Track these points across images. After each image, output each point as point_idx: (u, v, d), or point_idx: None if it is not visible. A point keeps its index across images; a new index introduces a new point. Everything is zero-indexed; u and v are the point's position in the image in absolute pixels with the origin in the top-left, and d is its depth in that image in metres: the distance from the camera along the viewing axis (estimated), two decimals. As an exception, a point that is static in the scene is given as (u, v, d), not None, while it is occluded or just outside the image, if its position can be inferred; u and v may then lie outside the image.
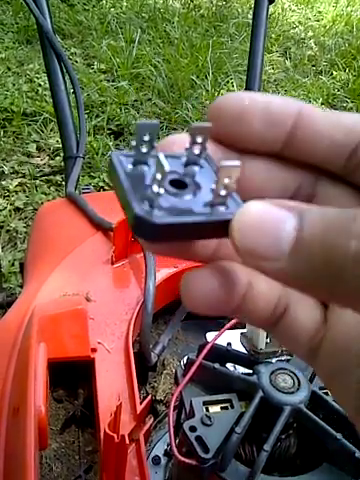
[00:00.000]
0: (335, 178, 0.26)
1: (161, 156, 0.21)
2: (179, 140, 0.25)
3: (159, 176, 0.21)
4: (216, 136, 0.26)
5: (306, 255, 0.20)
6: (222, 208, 0.23)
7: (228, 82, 2.83)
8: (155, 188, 0.22)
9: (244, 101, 0.25)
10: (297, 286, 0.21)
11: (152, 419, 0.66)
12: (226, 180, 0.22)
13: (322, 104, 2.83)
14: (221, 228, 0.22)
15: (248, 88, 1.23)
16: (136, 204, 0.22)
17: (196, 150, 0.24)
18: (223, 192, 0.23)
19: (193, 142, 0.24)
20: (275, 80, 3.00)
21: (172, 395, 0.60)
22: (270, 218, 0.21)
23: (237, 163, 0.22)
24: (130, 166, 0.24)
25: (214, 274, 0.24)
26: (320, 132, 0.25)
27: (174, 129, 2.48)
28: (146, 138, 0.23)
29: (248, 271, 0.25)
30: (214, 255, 0.25)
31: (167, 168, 0.21)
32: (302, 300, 0.25)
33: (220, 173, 0.22)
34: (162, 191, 0.22)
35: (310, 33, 3.55)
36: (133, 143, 0.23)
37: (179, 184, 0.24)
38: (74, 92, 1.21)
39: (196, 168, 0.25)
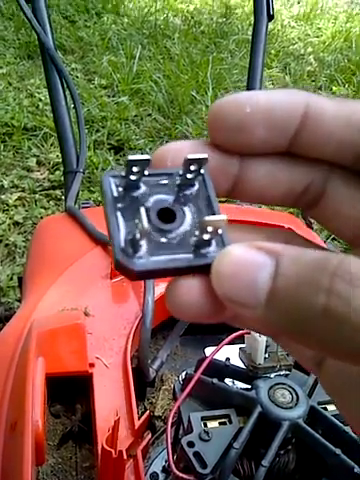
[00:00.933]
0: (347, 174, 0.25)
1: (142, 211, 0.21)
2: (173, 151, 0.24)
3: (141, 227, 0.21)
4: (215, 143, 0.24)
5: (280, 306, 0.20)
6: (206, 249, 0.23)
7: (228, 97, 2.85)
8: (137, 234, 0.21)
9: (245, 108, 0.23)
10: (273, 333, 0.21)
11: (150, 435, 0.66)
12: (210, 229, 0.22)
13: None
14: (203, 270, 0.22)
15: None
16: (118, 248, 0.22)
17: (190, 175, 0.24)
18: (207, 237, 0.22)
19: (187, 170, 0.23)
20: (274, 95, 3.02)
21: (170, 410, 0.60)
22: (248, 265, 0.20)
23: (222, 217, 0.22)
24: (121, 189, 0.23)
25: (203, 286, 0.23)
26: (328, 132, 0.24)
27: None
28: (136, 169, 0.23)
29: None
30: None
31: (146, 226, 0.21)
32: None
33: (203, 226, 0.22)
34: (146, 228, 0.21)
35: (309, 49, 3.58)
36: (122, 173, 0.23)
37: (167, 214, 0.23)
38: (75, 107, 1.22)
39: (189, 192, 0.24)
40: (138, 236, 0.21)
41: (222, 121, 0.24)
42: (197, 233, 0.23)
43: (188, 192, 0.24)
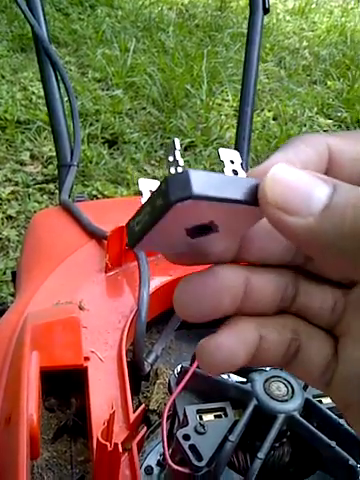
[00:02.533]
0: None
1: (176, 141, 0.23)
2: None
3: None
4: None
5: (337, 217, 0.20)
6: None
7: (223, 91, 2.84)
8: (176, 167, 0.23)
9: None
10: (317, 248, 0.21)
11: (145, 428, 0.66)
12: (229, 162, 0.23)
13: (317, 113, 2.84)
14: (253, 191, 0.22)
15: (243, 97, 1.23)
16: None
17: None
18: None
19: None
20: (270, 89, 3.02)
21: (165, 404, 0.60)
22: (305, 178, 0.21)
23: (235, 152, 0.24)
24: None
25: (230, 340, 0.26)
26: (349, 173, 0.26)
27: (168, 138, 2.48)
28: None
29: (257, 325, 0.26)
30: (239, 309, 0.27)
31: (178, 146, 0.22)
32: (313, 338, 0.27)
33: (222, 157, 0.23)
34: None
35: (305, 43, 3.58)
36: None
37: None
38: (69, 100, 1.21)
39: None
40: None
41: None
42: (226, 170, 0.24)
43: None
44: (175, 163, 0.23)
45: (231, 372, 0.28)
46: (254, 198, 0.22)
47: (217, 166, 2.37)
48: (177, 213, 0.22)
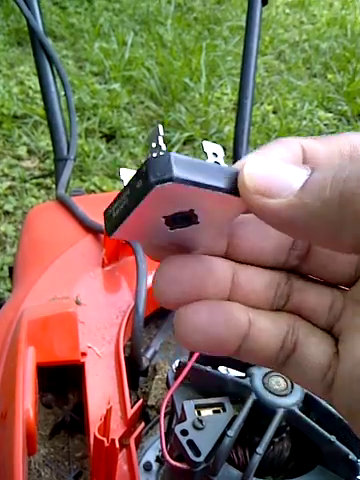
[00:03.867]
0: None
1: (160, 127, 0.22)
2: None
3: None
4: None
5: (317, 187, 0.20)
6: None
7: (222, 85, 2.83)
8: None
9: None
10: (300, 223, 0.21)
11: (143, 424, 0.65)
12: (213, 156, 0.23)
13: (317, 107, 2.83)
14: (235, 180, 0.22)
15: (242, 91, 1.22)
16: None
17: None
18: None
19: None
20: (269, 83, 3.00)
21: (163, 399, 0.59)
22: (281, 164, 0.22)
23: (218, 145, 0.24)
24: None
25: (210, 309, 0.24)
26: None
27: (167, 132, 2.47)
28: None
29: (246, 308, 0.25)
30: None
31: (161, 132, 0.22)
32: (311, 334, 0.25)
33: (205, 149, 0.23)
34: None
35: (304, 36, 3.55)
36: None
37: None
38: (65, 94, 1.20)
39: None
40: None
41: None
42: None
43: None
44: (158, 149, 0.22)
45: (216, 355, 0.26)
46: (235, 187, 0.22)
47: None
48: (156, 197, 0.21)
